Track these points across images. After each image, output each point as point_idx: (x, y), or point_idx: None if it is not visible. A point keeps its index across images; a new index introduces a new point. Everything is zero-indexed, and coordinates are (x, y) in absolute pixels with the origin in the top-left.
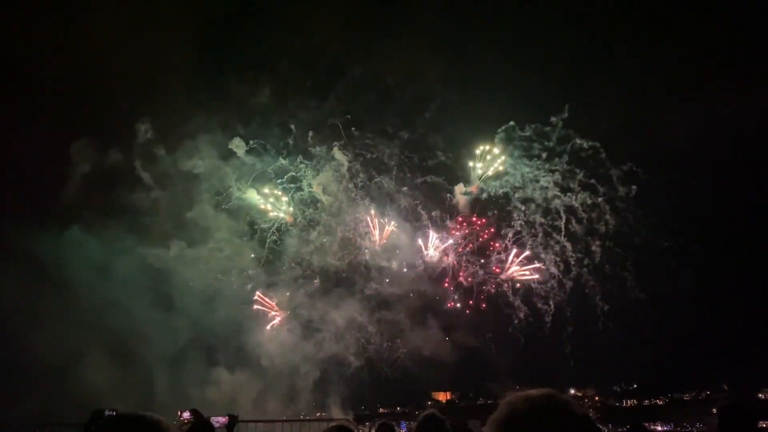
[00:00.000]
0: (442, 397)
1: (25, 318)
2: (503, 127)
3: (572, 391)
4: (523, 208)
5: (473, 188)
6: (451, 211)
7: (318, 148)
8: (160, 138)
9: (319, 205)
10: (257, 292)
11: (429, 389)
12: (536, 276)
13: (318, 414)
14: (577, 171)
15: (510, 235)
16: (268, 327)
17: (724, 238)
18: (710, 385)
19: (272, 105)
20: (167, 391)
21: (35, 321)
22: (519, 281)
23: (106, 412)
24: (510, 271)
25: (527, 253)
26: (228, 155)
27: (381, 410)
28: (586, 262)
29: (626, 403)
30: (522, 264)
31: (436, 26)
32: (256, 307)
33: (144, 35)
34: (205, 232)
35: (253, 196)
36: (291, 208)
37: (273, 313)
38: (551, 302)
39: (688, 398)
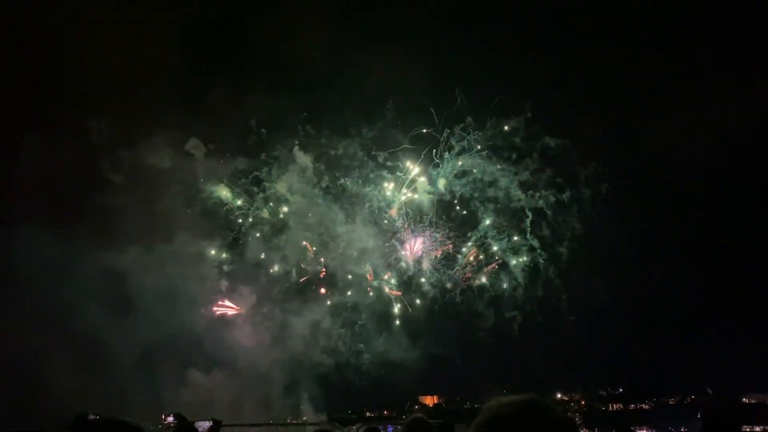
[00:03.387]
0: (429, 401)
1: None
2: (461, 126)
3: (558, 395)
4: (490, 208)
5: (441, 188)
6: (419, 211)
7: (278, 150)
8: (121, 135)
9: (289, 206)
10: (222, 295)
11: (416, 393)
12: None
13: (304, 418)
14: (547, 170)
15: (473, 239)
16: (235, 329)
17: (703, 241)
18: (695, 390)
19: (231, 104)
20: (138, 395)
21: None
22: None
23: (90, 417)
24: (475, 275)
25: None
26: (193, 153)
27: (367, 414)
28: (551, 269)
29: (612, 407)
30: (488, 268)
31: (397, 22)
32: (219, 309)
33: (101, 30)
34: (171, 231)
35: (225, 193)
36: (265, 208)
37: (233, 312)
38: (516, 312)
39: (673, 402)
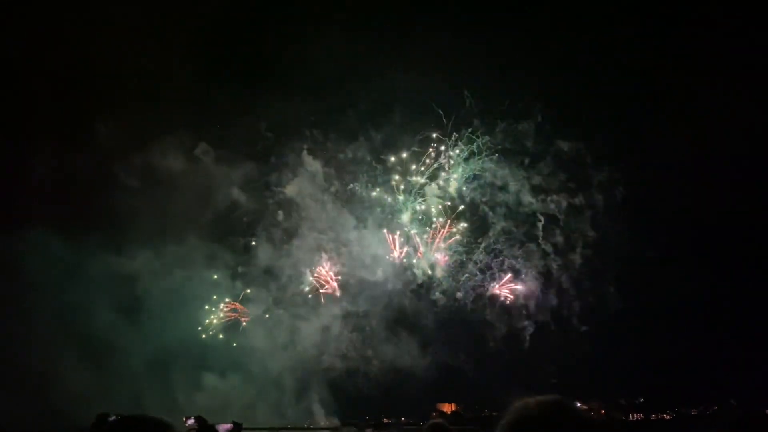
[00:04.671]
0: (447, 408)
1: None
2: (469, 130)
3: (578, 404)
4: (500, 213)
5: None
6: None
7: (288, 154)
8: (132, 139)
9: (299, 211)
10: (234, 299)
11: (431, 400)
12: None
13: (322, 424)
14: (560, 174)
15: (483, 246)
16: (247, 333)
17: (726, 247)
18: (718, 400)
19: (242, 109)
20: (153, 398)
21: (6, 325)
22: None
23: (111, 417)
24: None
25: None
26: (204, 157)
27: (385, 420)
28: (564, 277)
29: (632, 416)
30: (502, 277)
31: (404, 23)
32: (232, 313)
33: (111, 34)
34: (183, 234)
35: (237, 197)
36: (278, 212)
37: (245, 317)
38: (529, 320)
39: (695, 413)
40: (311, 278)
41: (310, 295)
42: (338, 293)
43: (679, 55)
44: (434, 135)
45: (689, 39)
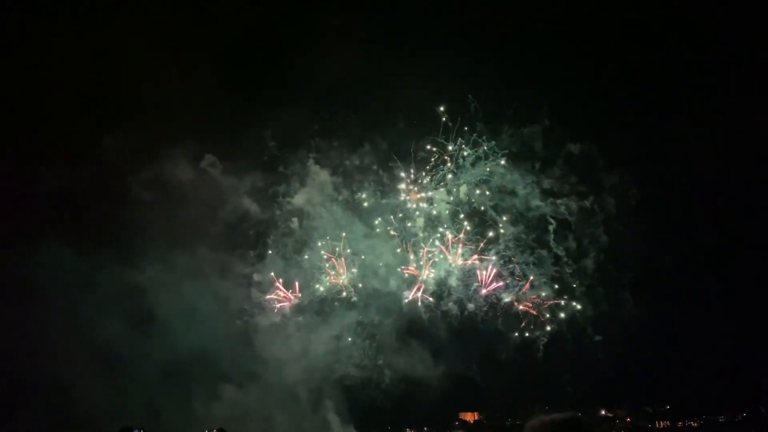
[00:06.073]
0: (470, 417)
1: (11, 335)
2: (474, 135)
3: (603, 411)
4: (510, 218)
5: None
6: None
7: (295, 164)
8: (142, 152)
9: (310, 220)
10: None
11: (453, 409)
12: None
13: None
14: (572, 178)
15: (493, 253)
16: (261, 343)
17: (744, 250)
18: (747, 407)
19: (250, 119)
20: (168, 409)
21: (22, 338)
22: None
23: (135, 430)
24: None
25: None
26: (213, 169)
27: (408, 430)
28: (577, 284)
29: (659, 424)
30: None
31: (408, 29)
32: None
33: (117, 48)
34: (198, 246)
35: (248, 208)
36: (289, 221)
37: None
38: (543, 329)
39: (723, 420)
40: (327, 280)
41: (322, 303)
42: (354, 297)
43: (694, 56)
44: (440, 140)
45: (704, 39)
